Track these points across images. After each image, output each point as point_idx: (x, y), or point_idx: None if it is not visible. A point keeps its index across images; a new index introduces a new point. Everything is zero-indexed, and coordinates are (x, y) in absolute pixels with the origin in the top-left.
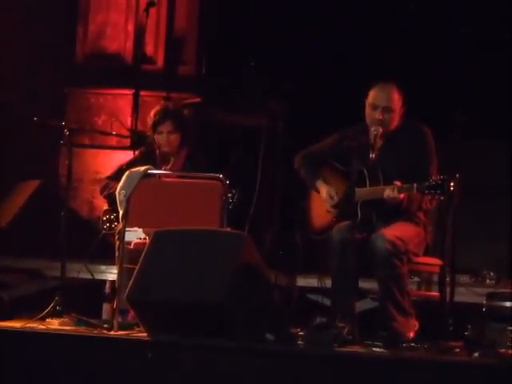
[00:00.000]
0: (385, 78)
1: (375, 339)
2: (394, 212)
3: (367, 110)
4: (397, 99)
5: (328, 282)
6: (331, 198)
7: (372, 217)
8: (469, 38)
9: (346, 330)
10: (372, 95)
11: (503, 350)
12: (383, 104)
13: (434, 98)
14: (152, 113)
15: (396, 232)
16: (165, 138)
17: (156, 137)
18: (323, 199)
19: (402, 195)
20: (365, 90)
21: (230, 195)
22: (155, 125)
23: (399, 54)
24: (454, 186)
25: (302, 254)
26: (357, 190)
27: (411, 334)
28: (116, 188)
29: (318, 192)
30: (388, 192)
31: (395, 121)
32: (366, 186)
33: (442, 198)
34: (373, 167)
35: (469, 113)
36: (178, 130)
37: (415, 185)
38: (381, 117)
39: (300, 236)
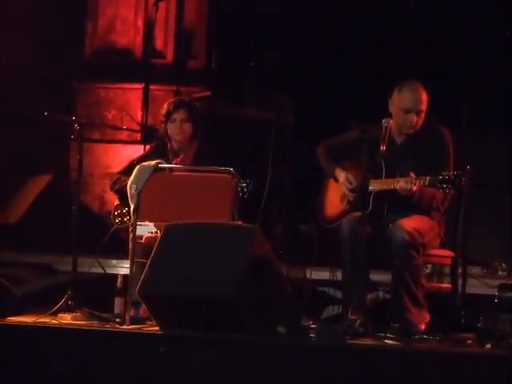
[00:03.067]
0: (408, 78)
1: (387, 331)
2: (406, 206)
3: (397, 112)
4: (426, 99)
5: (340, 275)
6: (349, 182)
7: (383, 209)
8: (472, 36)
9: (357, 322)
10: (403, 99)
11: None
12: (417, 108)
13: (439, 96)
14: (166, 103)
15: (414, 224)
16: (178, 126)
17: (169, 126)
18: (341, 183)
19: (414, 187)
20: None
21: (244, 185)
22: (169, 113)
23: (406, 50)
24: (465, 181)
25: (313, 246)
26: (371, 180)
27: (423, 326)
28: (126, 182)
29: (336, 179)
30: (401, 183)
31: (423, 119)
32: (381, 178)
33: (452, 192)
34: (390, 162)
35: (473, 107)
36: (191, 120)
37: (428, 177)
38: (414, 120)
39: (312, 229)
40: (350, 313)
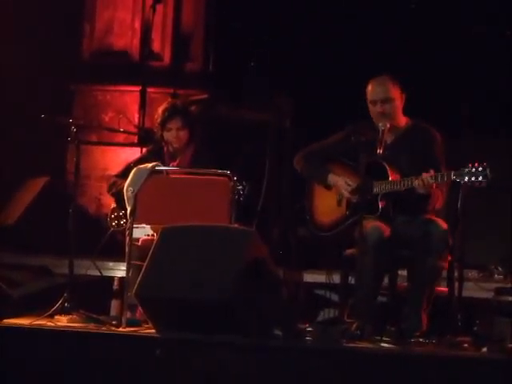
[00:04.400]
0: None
1: (383, 335)
2: (411, 206)
3: (369, 107)
4: (392, 87)
5: (336, 278)
6: (348, 184)
7: (389, 210)
8: (472, 36)
9: (354, 325)
10: (369, 92)
11: (511, 345)
12: (380, 96)
13: (439, 96)
14: (160, 110)
15: (445, 224)
16: (174, 135)
17: (165, 134)
18: (339, 186)
19: (434, 185)
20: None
21: (240, 187)
22: (164, 122)
23: (405, 50)
24: (492, 173)
25: (309, 250)
26: (376, 182)
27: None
28: (123, 185)
29: (329, 187)
30: (421, 180)
31: (398, 109)
32: (386, 179)
33: (482, 184)
34: (389, 162)
35: (474, 111)
36: (187, 126)
37: (453, 172)
38: (381, 109)
39: (305, 232)
40: (346, 316)
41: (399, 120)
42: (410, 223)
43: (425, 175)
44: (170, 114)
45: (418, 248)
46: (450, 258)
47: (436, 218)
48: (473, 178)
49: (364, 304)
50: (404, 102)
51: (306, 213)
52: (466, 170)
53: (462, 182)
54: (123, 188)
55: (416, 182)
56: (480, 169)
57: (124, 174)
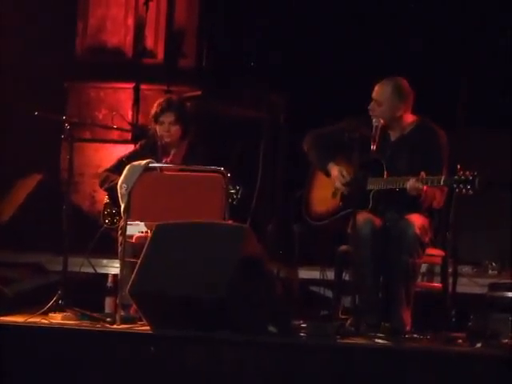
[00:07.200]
0: (393, 73)
1: (378, 331)
2: (404, 204)
3: None
4: (385, 93)
5: (330, 274)
6: (343, 176)
7: (380, 207)
8: (472, 36)
9: (348, 321)
10: None
11: (506, 341)
12: (373, 95)
13: (436, 88)
14: (155, 104)
15: (421, 222)
16: (166, 129)
17: (157, 127)
18: (334, 177)
19: (425, 187)
20: (365, 82)
21: (233, 191)
22: (157, 115)
23: (405, 50)
24: (482, 183)
25: (301, 246)
26: (371, 179)
27: (409, 326)
28: (117, 181)
29: (328, 174)
30: (412, 182)
31: (385, 113)
32: (382, 177)
33: (469, 193)
34: (387, 160)
35: (473, 107)
36: (180, 121)
37: (443, 177)
38: (370, 107)
39: (302, 228)
40: (340, 312)
41: (402, 121)
42: (395, 221)
43: (414, 179)
44: (164, 108)
45: (393, 246)
46: (443, 253)
47: (412, 217)
48: (461, 186)
49: (365, 299)
50: (411, 103)
51: (303, 201)
52: (456, 177)
53: (451, 189)
54: (116, 184)
55: (407, 185)
56: (470, 178)
57: (116, 168)
